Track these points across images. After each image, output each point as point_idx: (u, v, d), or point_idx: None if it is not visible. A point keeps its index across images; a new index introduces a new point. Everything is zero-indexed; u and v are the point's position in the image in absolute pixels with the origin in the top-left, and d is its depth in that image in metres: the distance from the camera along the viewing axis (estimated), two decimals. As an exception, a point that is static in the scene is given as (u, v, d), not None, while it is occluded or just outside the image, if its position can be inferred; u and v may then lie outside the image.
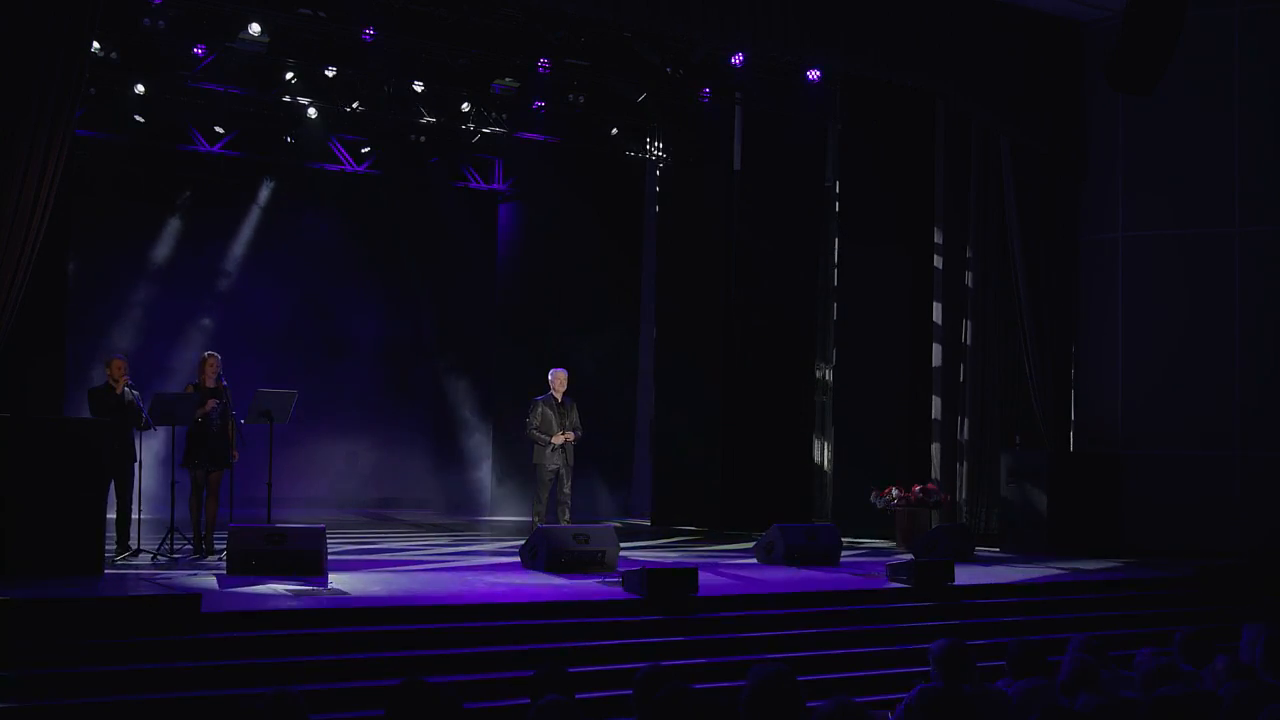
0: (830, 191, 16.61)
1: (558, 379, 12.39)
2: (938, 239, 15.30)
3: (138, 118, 15.50)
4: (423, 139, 17.32)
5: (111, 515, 10.34)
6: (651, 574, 9.44)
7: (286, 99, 14.70)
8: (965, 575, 11.05)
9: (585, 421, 12.56)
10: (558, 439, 12.17)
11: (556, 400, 12.31)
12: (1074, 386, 14.52)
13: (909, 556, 12.26)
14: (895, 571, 10.61)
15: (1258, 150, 13.64)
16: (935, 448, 15.09)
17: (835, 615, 9.74)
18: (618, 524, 14.30)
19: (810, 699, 4.71)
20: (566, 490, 12.36)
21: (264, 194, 17.75)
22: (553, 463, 12.23)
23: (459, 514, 17.31)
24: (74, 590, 8.31)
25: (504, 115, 15.94)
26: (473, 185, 18.79)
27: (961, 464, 14.81)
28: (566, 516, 12.34)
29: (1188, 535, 13.50)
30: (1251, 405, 13.55)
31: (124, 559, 10.61)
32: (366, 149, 17.40)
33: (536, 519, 12.23)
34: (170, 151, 16.71)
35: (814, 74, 15.36)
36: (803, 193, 16.63)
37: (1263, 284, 13.60)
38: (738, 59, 14.88)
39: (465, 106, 15.58)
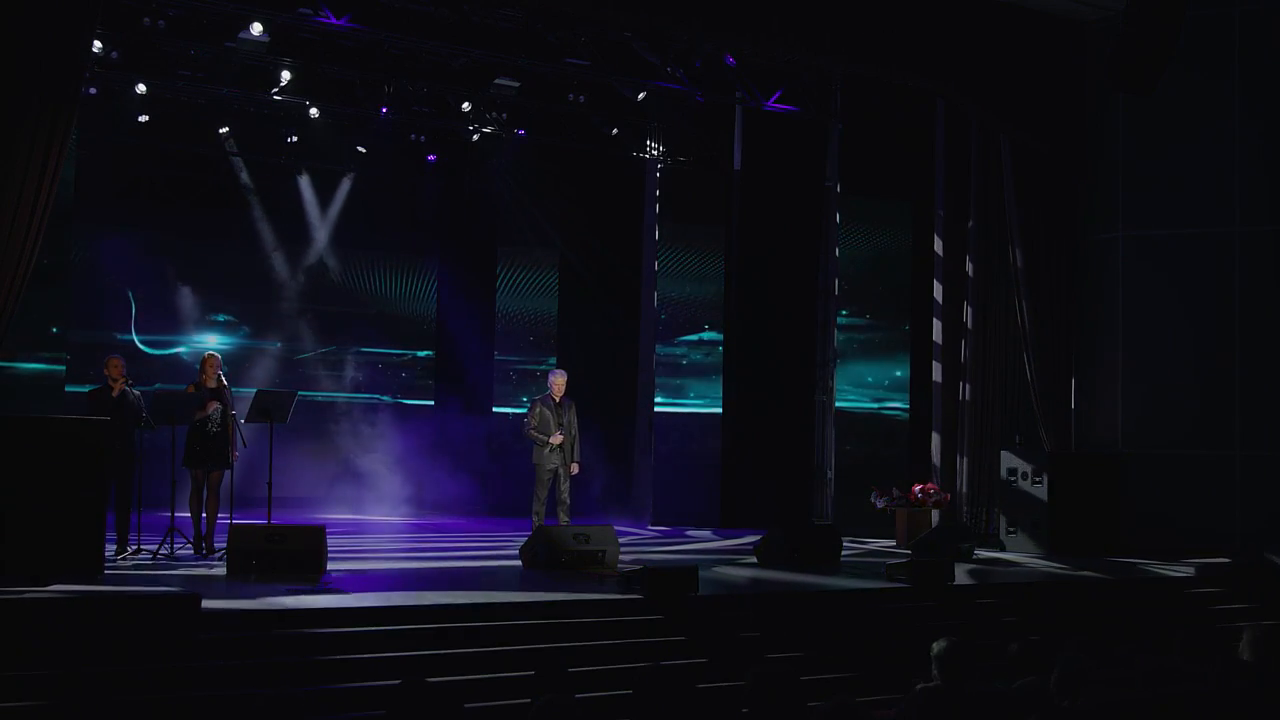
0: (830, 191, 16.62)
1: (557, 381, 12.52)
2: (938, 238, 15.31)
3: (139, 118, 15.51)
4: (423, 139, 17.32)
5: (112, 515, 10.34)
6: (651, 574, 9.44)
7: (286, 99, 14.69)
8: (965, 575, 11.06)
9: (586, 421, 12.62)
10: (555, 439, 12.25)
11: (555, 401, 12.41)
12: (1074, 386, 14.51)
13: (909, 556, 12.26)
14: (895, 571, 10.60)
15: (1258, 150, 13.64)
16: (936, 447, 15.10)
17: (835, 615, 9.74)
18: (618, 524, 14.28)
19: (810, 699, 4.71)
20: (565, 490, 12.40)
21: (264, 194, 17.75)
22: (551, 462, 12.32)
23: (459, 513, 17.30)
24: (74, 590, 8.31)
25: (504, 115, 15.93)
26: (473, 185, 18.77)
27: (962, 464, 14.81)
28: (566, 517, 12.37)
29: (1188, 535, 13.49)
30: (1251, 405, 13.55)
31: (124, 559, 10.61)
32: (366, 149, 17.40)
33: (536, 518, 12.27)
34: (170, 151, 16.69)
35: (813, 74, 15.37)
36: (803, 193, 16.63)
37: (1263, 284, 13.59)
38: (737, 59, 14.87)
39: (465, 106, 15.57)
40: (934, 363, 15.28)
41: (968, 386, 14.79)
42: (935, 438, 15.17)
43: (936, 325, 15.28)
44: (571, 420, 12.45)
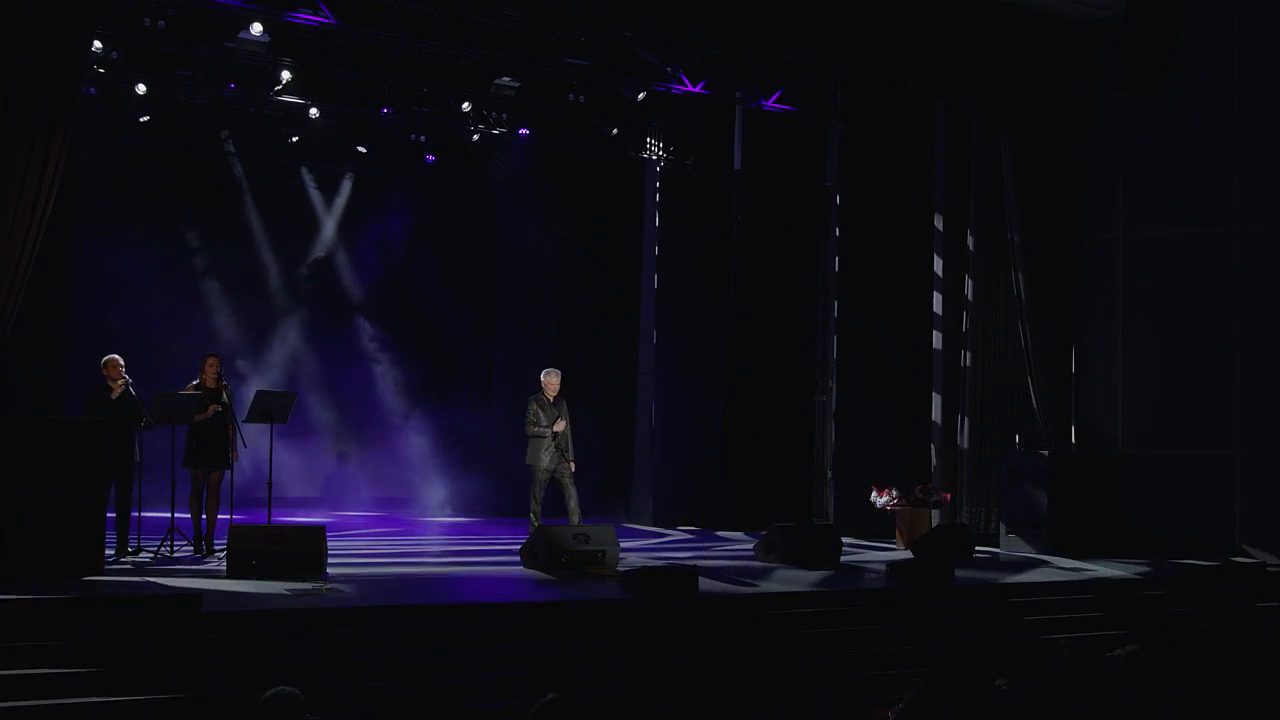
0: (830, 191, 16.61)
1: (550, 380, 12.53)
2: (938, 238, 15.31)
3: (139, 118, 15.50)
4: (423, 139, 17.31)
5: (111, 515, 10.33)
6: (651, 574, 9.44)
7: (287, 99, 14.69)
8: (965, 575, 11.06)
9: (588, 420, 12.62)
10: (558, 426, 12.32)
11: (549, 400, 12.46)
12: (1074, 386, 14.51)
13: (909, 556, 12.26)
14: (895, 571, 10.60)
15: (1258, 150, 13.64)
16: (935, 448, 15.10)
17: (835, 615, 9.74)
18: (618, 524, 14.29)
19: (810, 699, 4.71)
20: (571, 493, 12.35)
21: (264, 194, 17.74)
22: (546, 460, 12.30)
23: (457, 513, 17.30)
24: (74, 590, 8.31)
25: (504, 115, 15.92)
26: (473, 185, 18.75)
27: (962, 464, 14.81)
28: (575, 519, 12.32)
29: (1187, 535, 13.50)
30: (1251, 405, 13.54)
31: (124, 559, 10.60)
32: (366, 148, 17.38)
33: (534, 518, 12.27)
34: (170, 151, 16.67)
35: (813, 74, 15.36)
36: (803, 193, 16.62)
37: (1263, 284, 13.60)
38: (737, 59, 14.87)
39: (465, 106, 15.56)
40: (934, 363, 15.29)
41: (968, 386, 14.79)
42: (935, 437, 15.16)
43: (937, 325, 15.27)
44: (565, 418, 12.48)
